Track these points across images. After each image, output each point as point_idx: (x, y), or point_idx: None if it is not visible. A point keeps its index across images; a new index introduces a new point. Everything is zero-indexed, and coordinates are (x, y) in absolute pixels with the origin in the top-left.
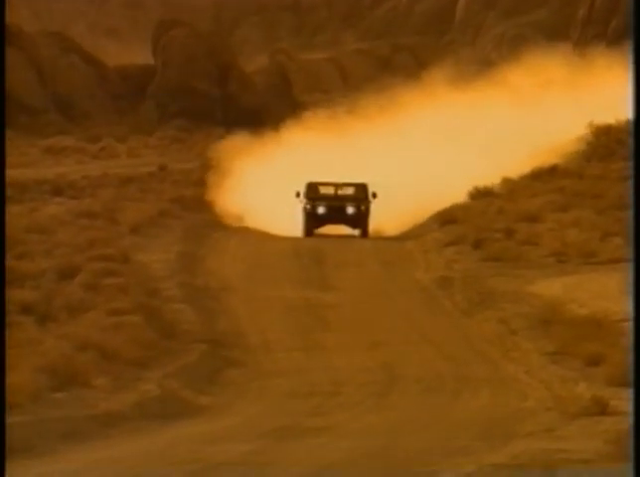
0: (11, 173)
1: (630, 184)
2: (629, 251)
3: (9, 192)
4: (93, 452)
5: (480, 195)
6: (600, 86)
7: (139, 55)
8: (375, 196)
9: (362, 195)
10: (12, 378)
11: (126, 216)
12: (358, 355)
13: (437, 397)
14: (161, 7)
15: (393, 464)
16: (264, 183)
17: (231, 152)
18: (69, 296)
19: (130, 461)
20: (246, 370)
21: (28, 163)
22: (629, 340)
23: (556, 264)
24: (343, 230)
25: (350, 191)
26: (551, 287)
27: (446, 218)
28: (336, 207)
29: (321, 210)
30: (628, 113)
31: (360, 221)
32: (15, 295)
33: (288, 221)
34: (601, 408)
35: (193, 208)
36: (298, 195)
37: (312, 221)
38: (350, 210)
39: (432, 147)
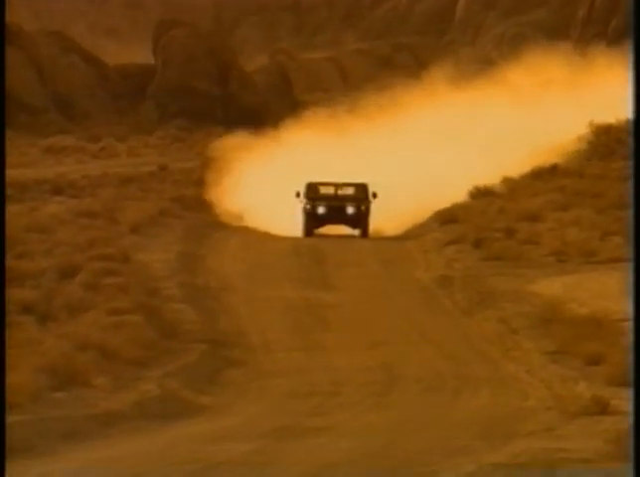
0: (11, 172)
1: (630, 183)
2: (629, 251)
3: (9, 191)
4: (93, 452)
5: (480, 194)
6: (601, 86)
7: (139, 54)
8: (375, 196)
9: (362, 195)
10: (12, 377)
11: (126, 215)
12: (358, 355)
13: (437, 396)
14: (161, 7)
15: (393, 464)
16: (265, 182)
17: (231, 151)
18: (69, 296)
19: (130, 461)
20: (247, 370)
21: (28, 162)
22: (629, 339)
23: (556, 264)
24: (343, 230)
25: (350, 191)
26: (551, 286)
27: (447, 217)
28: (336, 207)
29: (321, 210)
30: (628, 113)
31: (360, 221)
32: (15, 295)
33: (288, 220)
34: (601, 408)
35: (193, 207)
36: (298, 195)
37: (312, 221)
38: (350, 210)
39: (432, 147)
